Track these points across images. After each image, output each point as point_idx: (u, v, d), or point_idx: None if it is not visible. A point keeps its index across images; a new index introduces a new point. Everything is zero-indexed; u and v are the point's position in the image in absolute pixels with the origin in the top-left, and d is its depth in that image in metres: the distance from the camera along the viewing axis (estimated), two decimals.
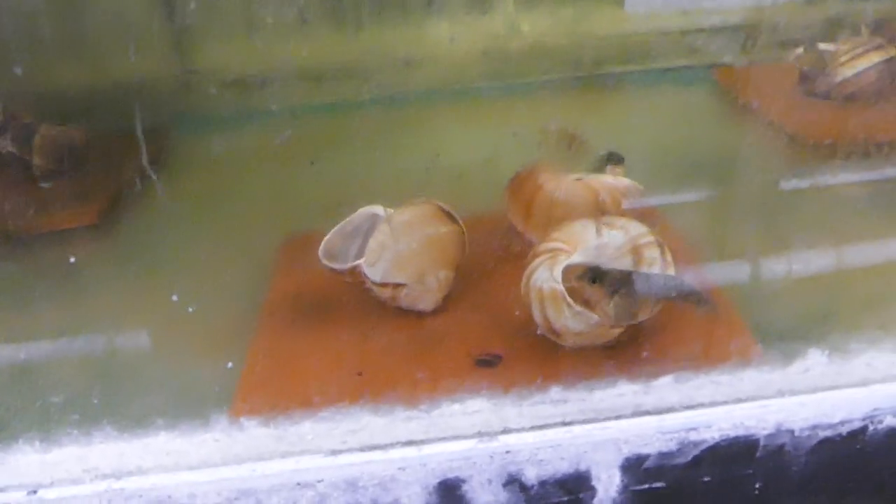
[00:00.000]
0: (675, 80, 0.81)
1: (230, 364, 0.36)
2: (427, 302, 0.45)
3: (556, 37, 0.81)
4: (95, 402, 0.36)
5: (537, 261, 0.41)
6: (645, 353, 0.35)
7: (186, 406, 0.33)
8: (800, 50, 0.65)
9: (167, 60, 0.81)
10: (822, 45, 0.63)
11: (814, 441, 0.31)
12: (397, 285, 0.45)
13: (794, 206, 0.56)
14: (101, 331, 0.46)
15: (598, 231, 0.41)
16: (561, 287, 0.39)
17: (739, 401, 0.31)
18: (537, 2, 0.84)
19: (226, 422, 0.31)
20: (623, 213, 0.46)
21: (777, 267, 0.49)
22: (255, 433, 0.31)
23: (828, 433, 0.31)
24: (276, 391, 0.40)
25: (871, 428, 0.31)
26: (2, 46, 0.65)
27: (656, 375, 0.32)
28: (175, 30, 0.80)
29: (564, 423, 0.31)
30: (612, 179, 0.47)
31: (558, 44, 0.81)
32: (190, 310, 0.44)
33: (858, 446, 0.31)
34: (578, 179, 0.48)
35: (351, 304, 0.47)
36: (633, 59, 0.82)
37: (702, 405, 0.31)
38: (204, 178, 0.70)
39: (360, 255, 0.47)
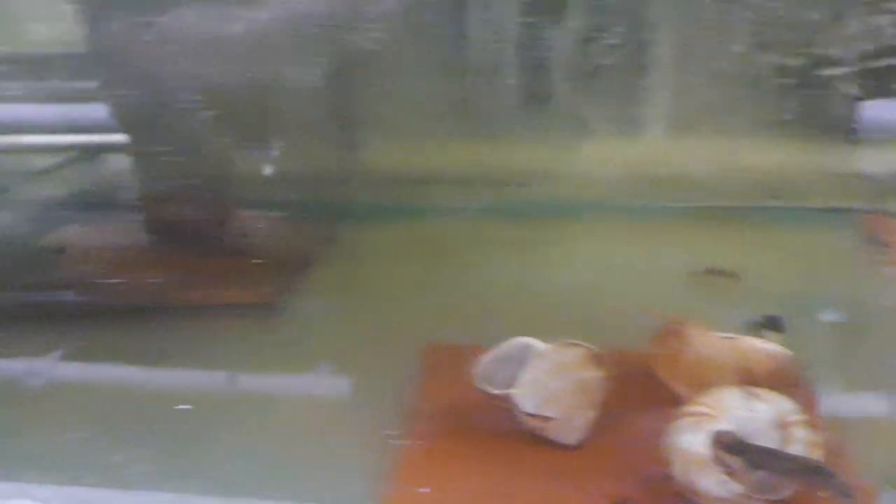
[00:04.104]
0: (821, 221, 0.82)
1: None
2: (571, 437, 0.49)
3: (704, 165, 0.84)
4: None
5: (683, 422, 0.44)
6: None
7: None
8: None
9: (339, 153, 0.90)
10: None
11: None
12: (546, 418, 0.48)
13: None
14: (244, 415, 0.52)
15: (747, 402, 0.44)
16: (708, 454, 0.41)
17: None
18: (689, 131, 0.87)
19: None
20: (770, 381, 0.48)
21: None
22: None
23: None
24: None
25: None
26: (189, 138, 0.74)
27: None
28: (350, 125, 0.89)
29: None
30: (762, 344, 0.49)
31: (705, 173, 0.84)
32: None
33: None
34: (728, 339, 0.50)
35: (496, 425, 0.51)
36: (781, 196, 0.83)
37: None
38: (363, 272, 0.76)
39: (509, 381, 0.51)
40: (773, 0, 0.75)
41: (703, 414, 0.44)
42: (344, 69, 0.85)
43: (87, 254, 0.66)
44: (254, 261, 0.72)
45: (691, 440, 0.43)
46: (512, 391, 0.49)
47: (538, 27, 0.83)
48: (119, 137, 0.75)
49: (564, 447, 0.49)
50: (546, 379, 0.49)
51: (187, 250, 0.71)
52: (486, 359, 0.53)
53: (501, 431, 0.51)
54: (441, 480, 0.47)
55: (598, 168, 0.86)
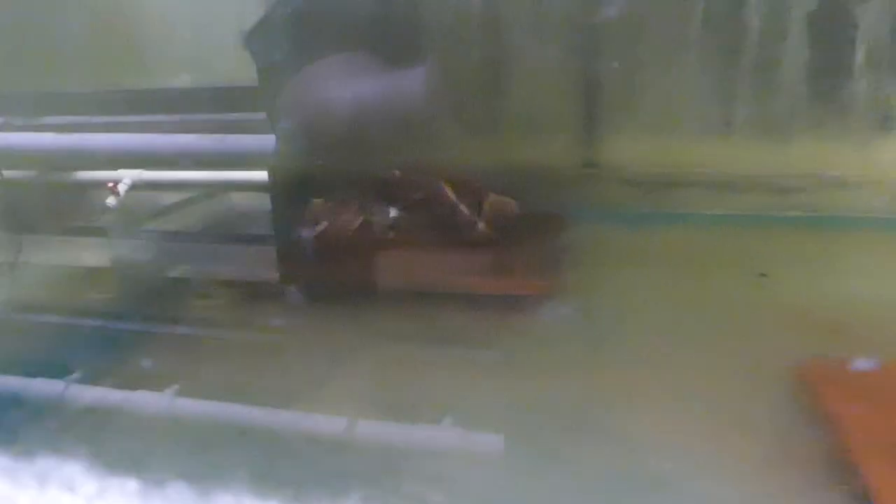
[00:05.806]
0: None
1: None
2: None
3: None
4: None
5: None
6: None
7: None
8: None
9: (571, 151, 0.77)
10: None
11: None
12: None
13: None
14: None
15: None
16: None
17: None
18: None
19: None
20: None
21: None
22: None
23: None
24: None
25: None
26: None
27: None
28: (585, 122, 0.76)
29: None
30: None
31: None
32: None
33: None
34: None
35: None
36: None
37: None
38: (625, 274, 0.63)
39: None
40: None
41: None
42: (589, 55, 0.73)
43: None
44: (517, 252, 0.59)
45: None
46: None
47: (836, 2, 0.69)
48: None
49: None
50: None
51: (446, 238, 0.59)
52: None
53: None
54: None
55: None
